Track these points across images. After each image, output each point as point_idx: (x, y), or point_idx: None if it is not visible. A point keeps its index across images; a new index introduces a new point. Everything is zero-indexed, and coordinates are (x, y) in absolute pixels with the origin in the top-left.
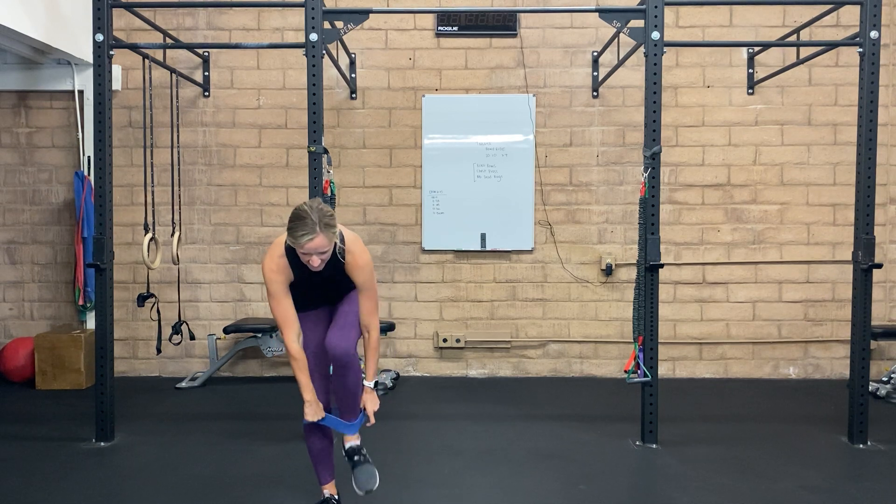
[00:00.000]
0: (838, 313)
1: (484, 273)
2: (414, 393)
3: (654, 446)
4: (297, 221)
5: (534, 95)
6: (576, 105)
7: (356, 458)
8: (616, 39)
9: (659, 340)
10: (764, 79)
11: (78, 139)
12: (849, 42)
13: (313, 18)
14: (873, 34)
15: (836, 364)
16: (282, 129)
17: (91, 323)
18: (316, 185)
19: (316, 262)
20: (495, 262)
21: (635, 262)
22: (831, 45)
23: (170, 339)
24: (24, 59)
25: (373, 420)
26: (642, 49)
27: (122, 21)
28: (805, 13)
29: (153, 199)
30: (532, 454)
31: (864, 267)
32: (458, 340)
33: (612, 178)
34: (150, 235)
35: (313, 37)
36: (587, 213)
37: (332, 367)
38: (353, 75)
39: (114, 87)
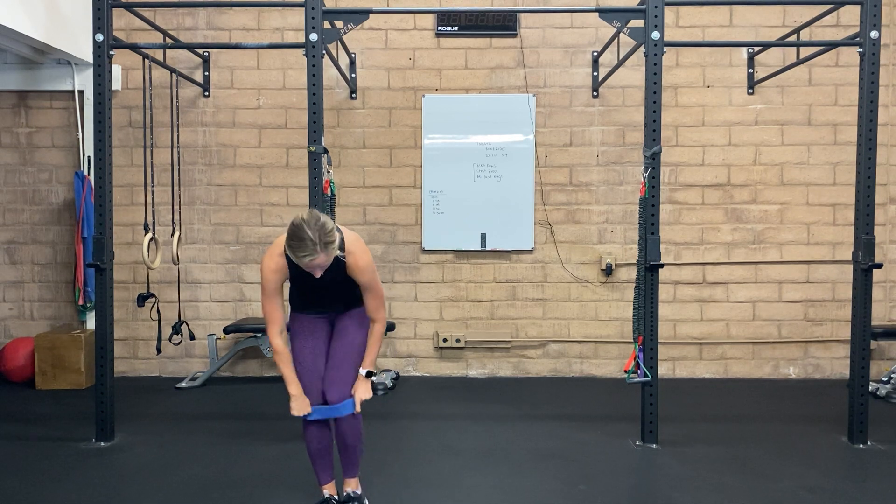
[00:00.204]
0: (838, 313)
1: (484, 273)
2: (414, 393)
3: (655, 446)
4: (297, 242)
5: (534, 95)
6: (576, 105)
7: None
8: (616, 39)
9: (659, 340)
10: (764, 79)
11: (78, 139)
12: (849, 42)
13: (313, 18)
14: (873, 34)
15: (836, 364)
16: (282, 129)
17: (91, 323)
18: (316, 185)
19: (317, 273)
20: (495, 262)
21: (635, 261)
22: (831, 45)
23: (170, 339)
24: (24, 59)
25: (359, 409)
26: (642, 49)
27: (122, 21)
28: (805, 13)
29: (153, 198)
30: (532, 454)
31: (864, 267)
32: (458, 340)
33: (612, 178)
34: (150, 235)
35: (313, 37)
36: (587, 213)
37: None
38: (353, 75)
39: (114, 87)
